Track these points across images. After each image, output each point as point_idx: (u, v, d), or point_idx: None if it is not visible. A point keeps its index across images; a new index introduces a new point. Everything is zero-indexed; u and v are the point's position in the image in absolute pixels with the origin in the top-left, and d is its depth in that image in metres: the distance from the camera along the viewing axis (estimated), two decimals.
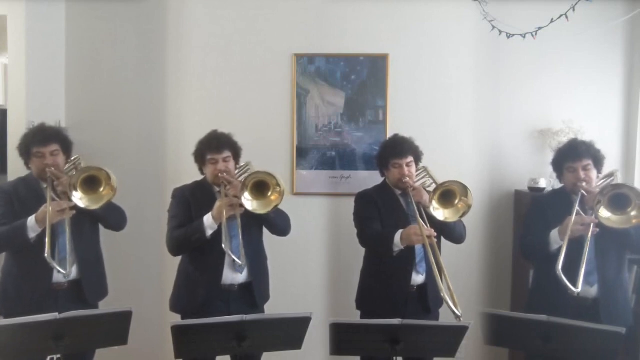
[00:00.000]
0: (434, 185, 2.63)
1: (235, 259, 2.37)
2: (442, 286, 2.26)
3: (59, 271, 2.30)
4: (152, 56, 3.35)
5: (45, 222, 2.30)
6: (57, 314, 1.93)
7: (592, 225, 2.33)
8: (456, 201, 2.47)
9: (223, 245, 2.36)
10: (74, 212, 2.39)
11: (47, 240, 2.27)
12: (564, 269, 2.27)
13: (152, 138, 3.37)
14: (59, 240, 2.42)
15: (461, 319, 2.14)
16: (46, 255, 2.25)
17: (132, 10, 3.33)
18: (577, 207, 2.40)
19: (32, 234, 2.34)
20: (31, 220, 2.34)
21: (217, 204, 2.46)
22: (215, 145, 2.57)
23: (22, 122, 3.11)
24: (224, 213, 2.41)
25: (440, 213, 2.46)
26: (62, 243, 2.41)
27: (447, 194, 2.47)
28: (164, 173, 3.37)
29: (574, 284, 2.22)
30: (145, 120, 3.36)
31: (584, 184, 2.46)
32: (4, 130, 3.27)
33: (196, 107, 3.36)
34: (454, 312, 2.17)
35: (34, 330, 1.93)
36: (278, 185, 2.44)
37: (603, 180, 2.65)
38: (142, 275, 3.36)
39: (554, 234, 2.44)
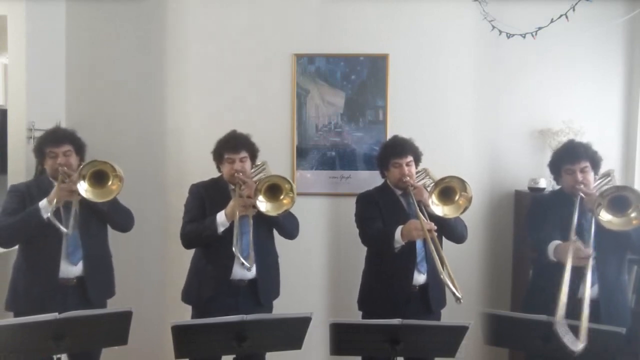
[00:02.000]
0: None
1: (244, 261, 2.43)
2: (441, 269, 2.25)
3: (59, 228, 2.35)
4: (152, 56, 3.35)
5: (58, 200, 2.38)
6: (57, 314, 1.93)
7: (589, 258, 2.27)
8: (456, 197, 2.47)
9: (233, 249, 2.43)
10: (82, 196, 2.42)
11: (52, 207, 2.35)
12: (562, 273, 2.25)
13: (152, 138, 3.37)
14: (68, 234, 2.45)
15: (461, 300, 2.13)
16: (49, 215, 2.34)
17: (132, 10, 3.33)
18: (574, 237, 2.32)
19: (45, 215, 2.40)
20: (43, 202, 2.42)
21: (231, 203, 2.52)
22: (233, 145, 2.63)
23: (22, 122, 3.11)
24: (237, 213, 2.47)
25: (439, 209, 2.46)
26: (73, 237, 2.46)
27: (447, 191, 2.47)
28: (164, 173, 3.38)
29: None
30: (145, 120, 3.37)
31: (582, 186, 2.45)
32: (4, 130, 3.27)
33: (196, 106, 3.36)
34: (454, 294, 2.15)
35: (34, 330, 1.93)
36: (292, 190, 2.48)
37: (600, 180, 2.65)
38: (142, 275, 3.36)
39: (551, 248, 2.40)
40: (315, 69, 3.34)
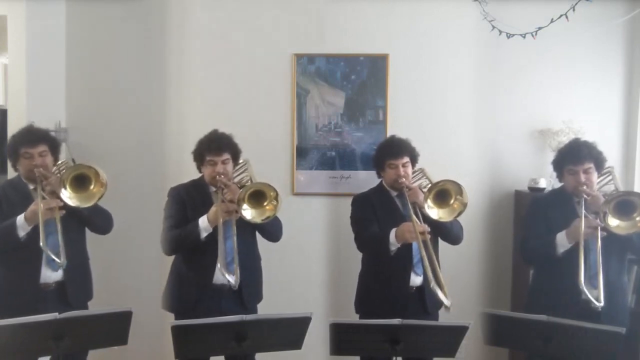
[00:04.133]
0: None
1: (230, 279, 2.38)
2: (432, 277, 2.26)
3: (53, 259, 2.30)
4: (152, 56, 3.34)
5: (34, 220, 2.31)
6: (57, 314, 1.93)
7: (598, 229, 2.32)
8: (451, 201, 2.46)
9: (218, 265, 2.38)
10: (64, 211, 2.38)
11: (40, 229, 2.28)
12: (565, 273, 2.27)
13: (152, 138, 3.37)
14: (49, 240, 2.37)
15: (450, 309, 2.16)
16: (41, 244, 2.26)
17: (132, 10, 3.33)
18: (583, 211, 2.38)
19: (21, 233, 2.35)
20: (20, 218, 2.35)
21: (213, 208, 2.47)
22: (215, 147, 2.56)
23: (22, 122, 3.08)
24: (220, 219, 2.42)
25: (435, 212, 2.45)
26: (52, 243, 2.38)
27: (443, 194, 2.46)
28: (165, 173, 3.36)
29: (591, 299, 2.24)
30: (145, 120, 3.36)
31: (584, 187, 2.44)
32: (4, 130, 3.27)
33: (196, 106, 3.35)
34: (443, 303, 2.17)
35: (34, 330, 1.93)
36: (276, 199, 2.45)
37: (601, 179, 2.64)
38: (142, 275, 3.35)
39: (561, 237, 2.42)
40: (315, 69, 3.34)
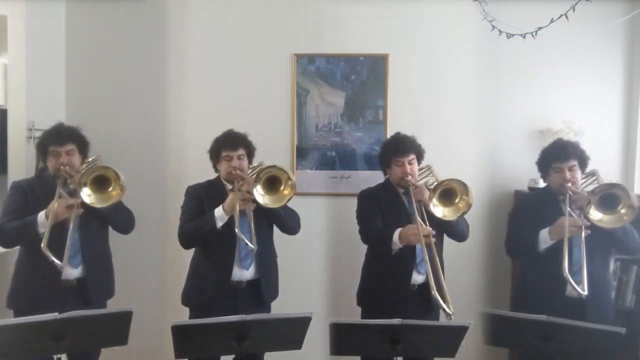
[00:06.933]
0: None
1: (248, 242, 2.40)
2: (434, 284, 2.25)
3: (53, 261, 2.30)
4: (152, 56, 3.35)
5: (54, 218, 2.34)
6: (57, 314, 1.93)
7: (582, 228, 2.35)
8: (457, 200, 2.47)
9: (236, 230, 2.41)
10: (82, 210, 2.42)
11: (46, 231, 2.30)
12: (549, 268, 2.30)
13: (153, 138, 3.37)
14: (69, 238, 2.41)
15: (452, 317, 2.15)
16: (42, 245, 2.27)
17: (132, 10, 3.33)
18: (568, 209, 2.42)
19: (42, 229, 2.37)
20: (41, 215, 2.38)
21: (230, 197, 2.51)
22: (231, 142, 2.63)
23: (22, 122, 3.11)
24: (237, 206, 2.45)
25: (439, 210, 2.46)
26: (73, 240, 2.43)
27: (448, 193, 2.47)
28: (165, 173, 3.38)
29: (574, 287, 2.24)
30: (145, 120, 3.37)
31: (569, 184, 2.49)
32: (4, 130, 3.27)
33: (196, 106, 3.36)
34: (445, 310, 2.16)
35: (34, 330, 1.93)
36: (289, 179, 2.49)
37: (585, 180, 2.67)
38: (142, 275, 3.36)
39: (544, 233, 2.46)
40: (315, 69, 3.34)
